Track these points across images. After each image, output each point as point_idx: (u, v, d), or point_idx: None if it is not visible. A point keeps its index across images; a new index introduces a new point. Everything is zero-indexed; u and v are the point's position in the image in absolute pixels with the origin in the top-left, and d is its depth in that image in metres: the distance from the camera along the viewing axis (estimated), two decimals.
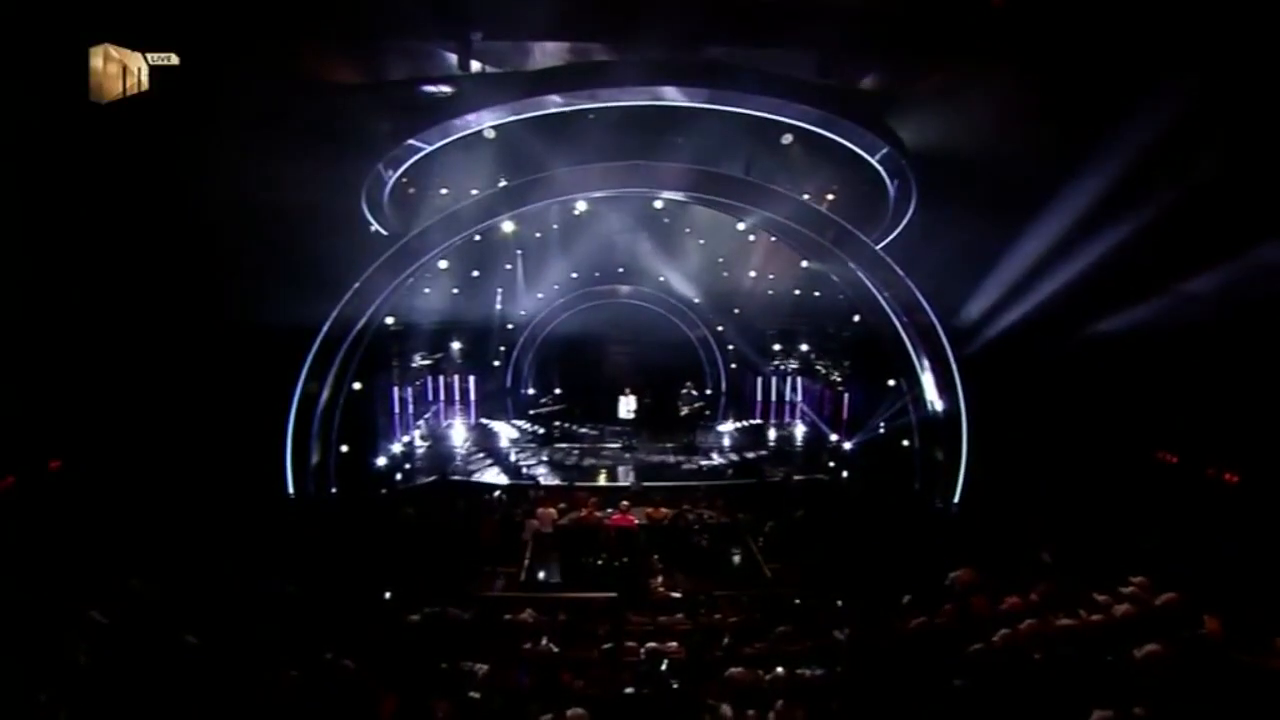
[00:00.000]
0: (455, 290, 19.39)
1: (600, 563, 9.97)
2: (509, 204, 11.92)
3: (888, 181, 12.14)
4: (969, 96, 9.14)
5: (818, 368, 19.14)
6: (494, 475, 14.18)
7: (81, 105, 8.12)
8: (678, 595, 9.28)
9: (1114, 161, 8.01)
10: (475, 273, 19.15)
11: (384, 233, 11.66)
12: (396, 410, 16.85)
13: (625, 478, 14.70)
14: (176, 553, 8.73)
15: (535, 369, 20.89)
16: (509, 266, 19.28)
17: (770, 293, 19.96)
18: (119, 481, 9.39)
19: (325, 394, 11.18)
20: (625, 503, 11.12)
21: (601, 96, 10.97)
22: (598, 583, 9.48)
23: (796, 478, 13.60)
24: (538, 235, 18.56)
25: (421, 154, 11.62)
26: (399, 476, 13.42)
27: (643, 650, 7.51)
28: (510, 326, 20.45)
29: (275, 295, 10.49)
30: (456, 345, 20.04)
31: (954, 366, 11.45)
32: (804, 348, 20.69)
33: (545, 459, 15.23)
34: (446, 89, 10.52)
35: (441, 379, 19.44)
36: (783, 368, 20.49)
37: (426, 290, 18.84)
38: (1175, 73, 6.78)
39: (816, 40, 9.41)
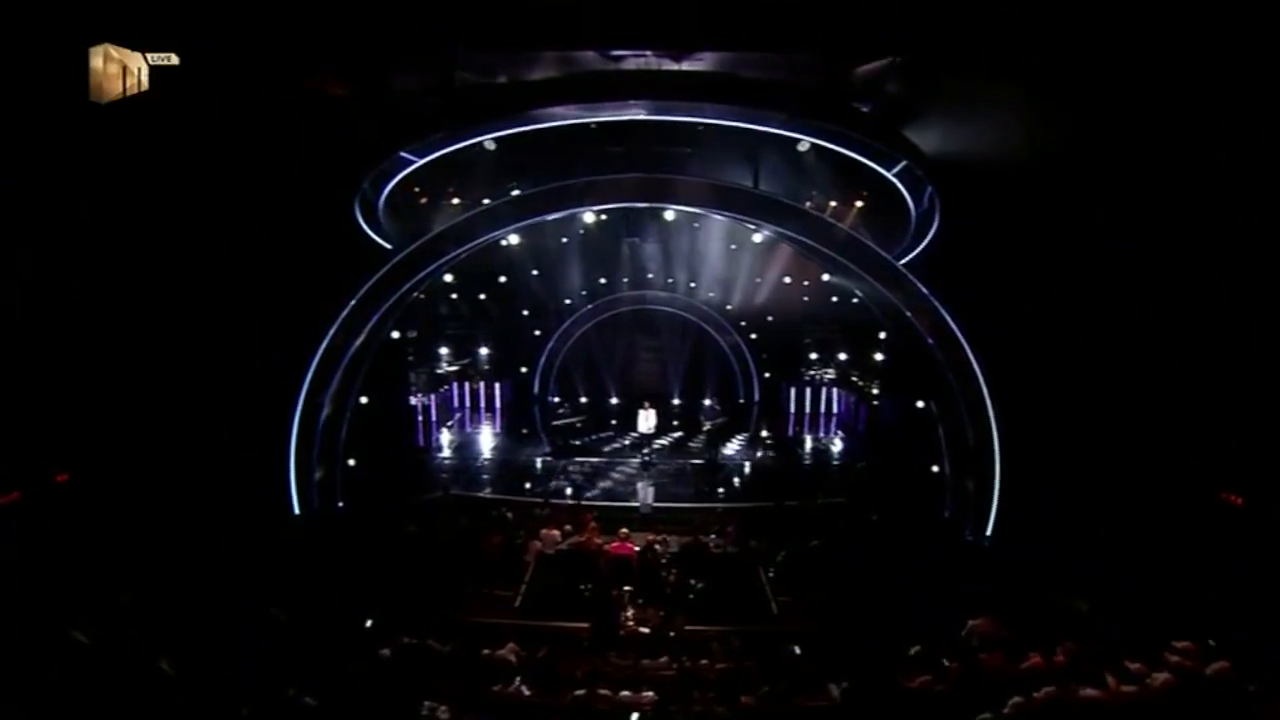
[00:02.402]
0: (482, 296, 19.35)
1: (589, 592, 9.55)
2: (514, 216, 11.60)
3: (907, 196, 11.24)
4: (996, 99, 8.29)
5: (853, 379, 18.21)
6: (504, 489, 13.84)
7: (81, 105, 8.03)
8: (646, 630, 8.80)
9: (1156, 168, 7.07)
10: (502, 278, 19.04)
11: (387, 246, 11.55)
12: (420, 418, 16.84)
13: (644, 493, 14.25)
14: (174, 570, 8.76)
15: (561, 376, 20.58)
16: (535, 272, 19.03)
17: (805, 299, 19.17)
18: (123, 496, 9.50)
19: (328, 408, 11.11)
20: (624, 530, 10.69)
21: (593, 112, 10.51)
22: (585, 614, 9.09)
23: (818, 501, 12.84)
24: (563, 240, 18.23)
25: (413, 166, 11.42)
26: (411, 489, 13.28)
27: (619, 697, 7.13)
28: (537, 333, 20.23)
29: (276, 309, 10.48)
30: (484, 351, 19.98)
31: (984, 389, 10.52)
32: (842, 356, 19.79)
33: (560, 474, 14.85)
34: (440, 100, 10.27)
35: (467, 386, 19.39)
36: (817, 378, 19.63)
37: (453, 295, 18.87)
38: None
39: (824, 41, 8.70)
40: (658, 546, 10.31)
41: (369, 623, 8.48)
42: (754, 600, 10.15)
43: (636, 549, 10.46)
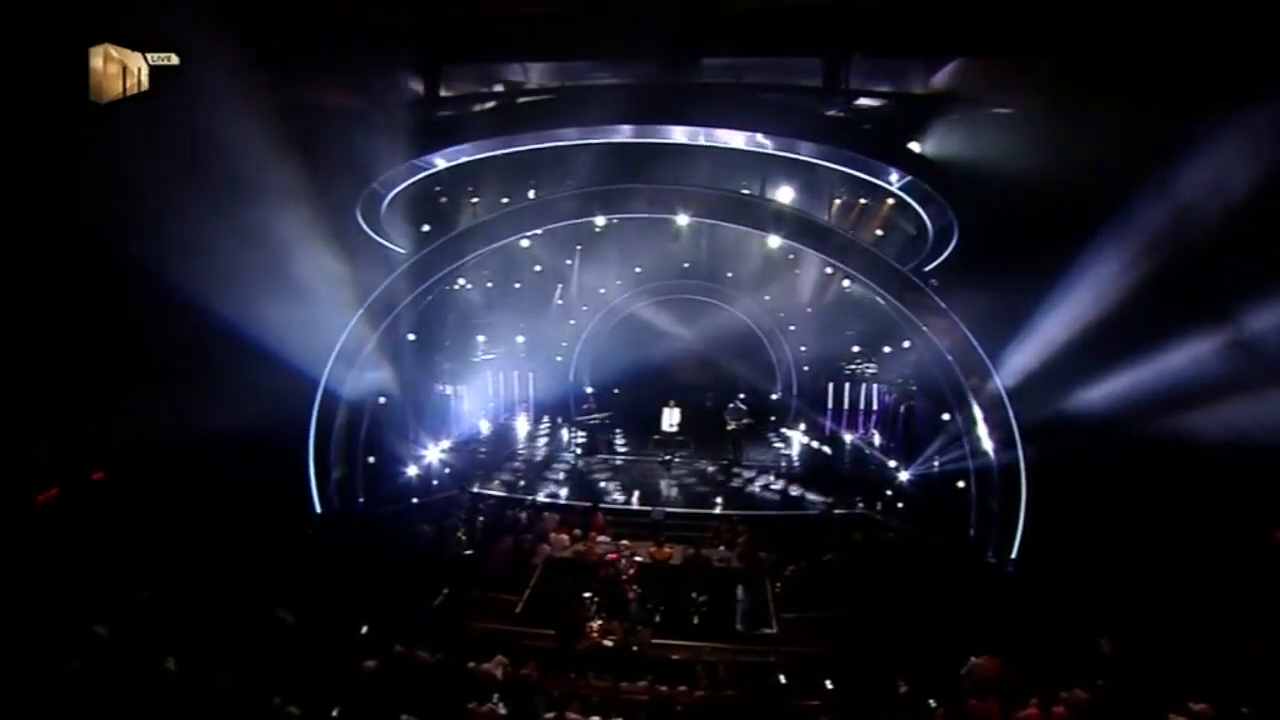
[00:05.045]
0: (517, 285, 19.38)
1: (585, 605, 9.54)
2: (526, 223, 11.51)
3: (920, 210, 10.44)
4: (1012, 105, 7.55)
5: (895, 377, 17.34)
6: (524, 486, 13.95)
7: (82, 105, 8.03)
8: (609, 643, 8.78)
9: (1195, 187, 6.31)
10: (538, 268, 19.03)
11: (400, 250, 11.68)
12: (452, 409, 17.12)
13: (667, 492, 14.14)
14: (193, 569, 9.22)
15: (594, 367, 20.49)
16: (569, 262, 18.95)
17: (846, 287, 18.32)
18: (149, 495, 10.06)
19: (345, 408, 11.43)
20: (625, 542, 10.62)
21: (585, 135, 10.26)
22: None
23: (837, 511, 12.38)
24: (597, 230, 17.98)
25: (417, 177, 11.42)
26: (435, 484, 13.54)
27: None
28: (572, 322, 20.17)
29: (293, 312, 10.76)
30: (519, 339, 20.06)
31: (1009, 408, 9.81)
32: (887, 349, 18.88)
33: (582, 472, 14.82)
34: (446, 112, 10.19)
35: (501, 375, 19.55)
36: (857, 373, 18.82)
37: (489, 285, 18.99)
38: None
39: (825, 48, 8.11)
40: (622, 560, 10.18)
41: (365, 629, 8.69)
42: (756, 617, 9.93)
43: (638, 559, 10.41)
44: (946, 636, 8.74)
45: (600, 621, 9.05)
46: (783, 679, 8.13)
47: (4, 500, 9.18)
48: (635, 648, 8.64)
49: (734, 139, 10.15)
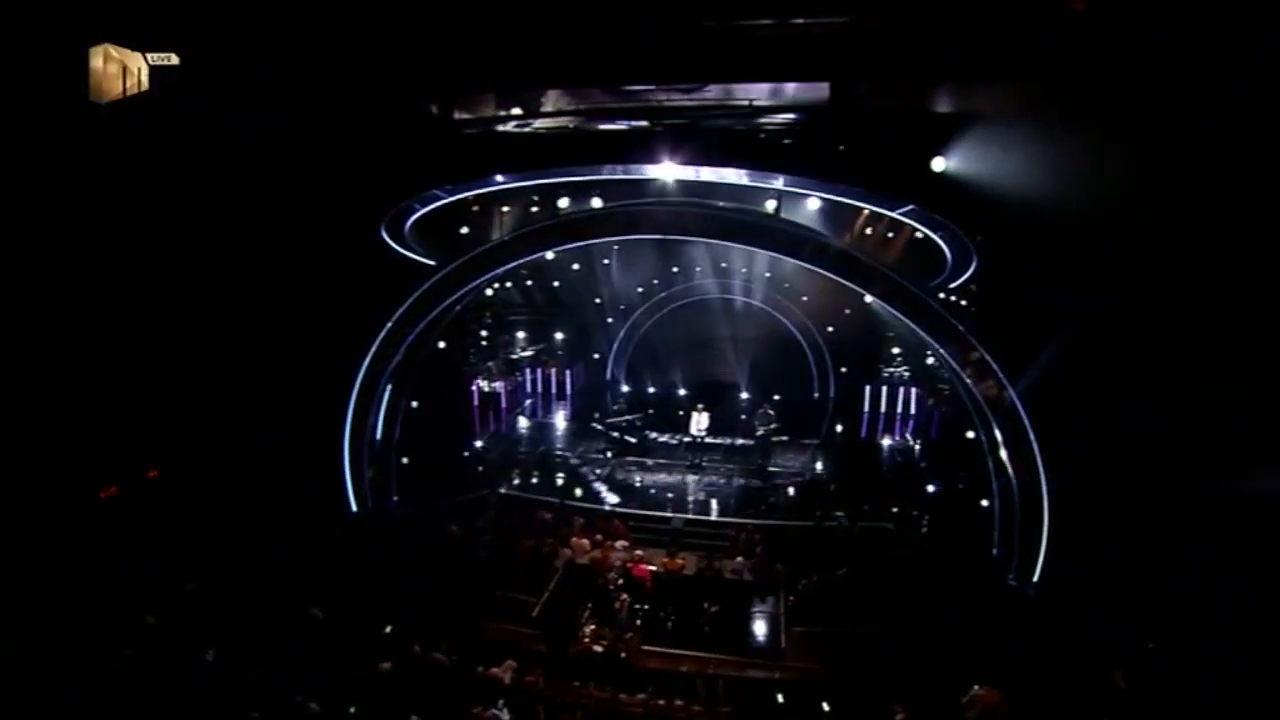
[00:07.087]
0: (556, 283, 19.71)
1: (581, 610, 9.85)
2: (550, 240, 11.79)
3: (936, 239, 10.10)
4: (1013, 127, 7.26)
5: (931, 379, 16.89)
6: (555, 487, 14.27)
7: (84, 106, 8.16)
8: (599, 649, 9.05)
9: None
10: (575, 266, 19.28)
11: (430, 263, 12.09)
12: (488, 407, 17.64)
13: (694, 495, 14.25)
14: (234, 563, 9.90)
15: (631, 365, 20.69)
16: (606, 261, 19.14)
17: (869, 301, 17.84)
18: (200, 492, 10.81)
19: (379, 411, 11.98)
20: (639, 552, 10.84)
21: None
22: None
23: (860, 524, 12.26)
24: None
25: (442, 202, 11.76)
26: (466, 483, 13.98)
27: None
28: (610, 320, 20.38)
29: (334, 323, 11.32)
30: (559, 336, 20.44)
31: (1031, 432, 9.51)
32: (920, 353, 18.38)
33: (611, 473, 15.01)
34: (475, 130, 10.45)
35: (540, 371, 20.00)
36: (894, 376, 18.40)
37: (529, 282, 19.41)
38: None
39: (829, 71, 7.97)
40: (612, 571, 10.39)
41: (388, 629, 9.18)
42: (766, 631, 10.03)
43: (651, 569, 10.64)
44: (954, 661, 8.66)
45: (593, 628, 9.34)
46: (780, 698, 8.24)
47: (72, 496, 9.98)
48: (623, 654, 8.90)
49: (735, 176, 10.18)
